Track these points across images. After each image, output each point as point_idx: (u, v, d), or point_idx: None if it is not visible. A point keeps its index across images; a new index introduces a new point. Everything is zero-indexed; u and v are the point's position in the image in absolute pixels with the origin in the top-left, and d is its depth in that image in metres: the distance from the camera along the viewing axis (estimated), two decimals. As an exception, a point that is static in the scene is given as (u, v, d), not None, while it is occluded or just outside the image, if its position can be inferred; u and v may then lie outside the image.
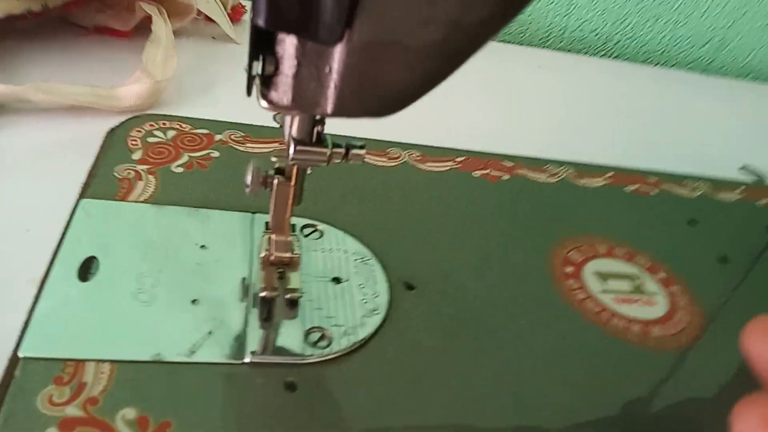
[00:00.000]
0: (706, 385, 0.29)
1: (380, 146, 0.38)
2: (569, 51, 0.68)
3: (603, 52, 0.70)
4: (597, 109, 0.55)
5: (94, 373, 0.22)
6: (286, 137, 0.24)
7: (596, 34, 0.68)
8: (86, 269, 0.26)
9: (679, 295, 0.33)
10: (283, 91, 0.19)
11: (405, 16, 0.16)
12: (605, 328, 0.30)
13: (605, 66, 0.66)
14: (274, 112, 0.21)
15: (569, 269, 0.33)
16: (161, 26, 0.41)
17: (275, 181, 0.25)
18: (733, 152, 0.53)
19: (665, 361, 0.29)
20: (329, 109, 0.19)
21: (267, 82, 0.19)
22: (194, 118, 0.36)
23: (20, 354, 0.22)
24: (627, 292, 0.32)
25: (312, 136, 0.22)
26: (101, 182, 0.30)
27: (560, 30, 0.67)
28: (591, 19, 0.67)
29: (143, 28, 0.43)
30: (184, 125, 0.35)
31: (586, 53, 0.69)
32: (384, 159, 0.37)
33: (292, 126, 0.22)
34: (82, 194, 0.29)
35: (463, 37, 0.17)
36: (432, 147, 0.40)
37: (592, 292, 0.32)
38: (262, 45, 0.18)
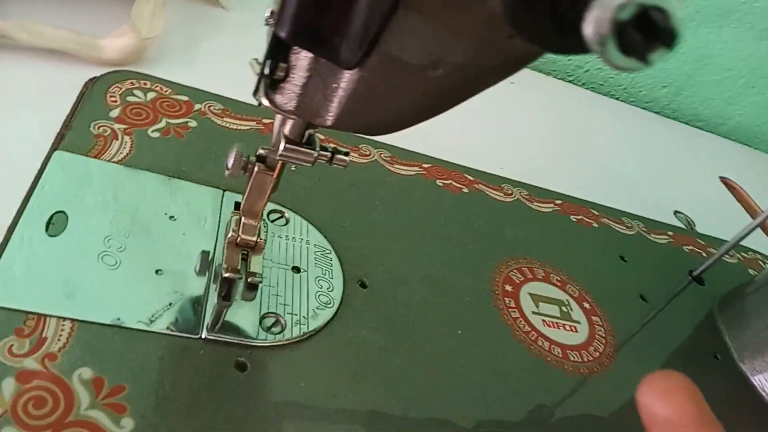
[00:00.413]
0: (606, 407, 0.32)
1: (352, 141, 0.39)
2: (541, 72, 0.70)
3: (572, 78, 0.73)
4: (557, 133, 0.58)
5: (55, 330, 0.23)
6: (276, 131, 0.25)
7: (569, 59, 0.71)
8: (54, 223, 0.26)
9: (598, 326, 0.36)
10: (288, 97, 0.20)
11: (421, 55, 0.18)
12: (530, 348, 0.33)
13: (573, 92, 0.69)
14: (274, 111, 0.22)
15: (509, 288, 0.36)
16: (153, -20, 0.40)
17: (255, 168, 0.26)
18: (671, 196, 0.58)
19: (576, 384, 0.33)
20: (329, 122, 0.20)
21: (274, 85, 0.20)
22: (175, 83, 0.36)
23: (-17, 300, 0.23)
24: (555, 317, 0.35)
25: (303, 138, 0.23)
26: (76, 135, 0.30)
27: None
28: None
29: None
30: (164, 88, 0.36)
31: (556, 76, 0.72)
32: (355, 155, 0.39)
33: (285, 124, 0.23)
34: (56, 145, 0.29)
35: (471, 80, 0.19)
36: (402, 149, 0.41)
37: (525, 313, 0.35)
38: (277, 49, 0.19)
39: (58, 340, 0.23)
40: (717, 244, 0.49)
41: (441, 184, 0.41)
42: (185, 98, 0.36)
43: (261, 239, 0.27)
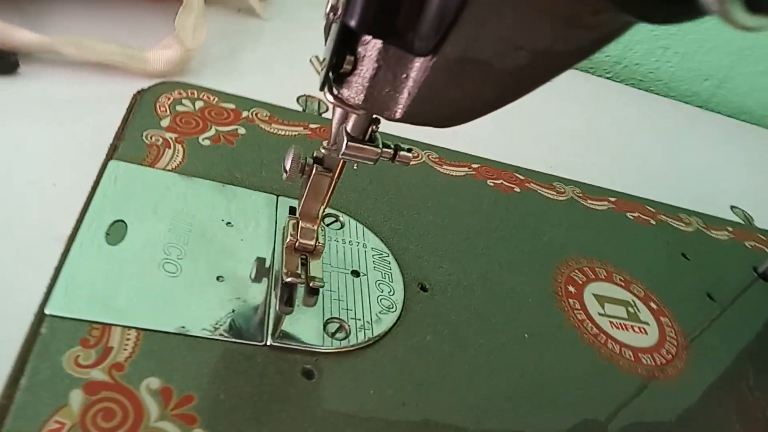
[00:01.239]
0: (686, 413, 0.31)
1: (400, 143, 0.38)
2: (578, 69, 0.69)
3: (610, 74, 0.71)
4: (601, 130, 0.57)
5: (120, 339, 0.22)
6: (335, 129, 0.24)
7: (607, 55, 0.70)
8: (113, 233, 0.26)
9: (668, 327, 0.35)
10: (356, 91, 0.19)
11: (499, 39, 0.17)
12: (600, 351, 0.31)
13: (612, 89, 0.67)
14: (338, 106, 0.21)
15: (572, 289, 0.34)
16: (195, -9, 0.40)
17: (313, 170, 0.25)
18: (723, 190, 0.56)
19: (653, 389, 0.31)
20: (398, 114, 0.19)
21: (341, 79, 0.19)
22: (221, 92, 0.36)
23: (47, 311, 0.22)
24: (622, 318, 0.34)
25: (366, 134, 0.23)
26: (130, 145, 0.30)
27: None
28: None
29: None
30: (211, 97, 0.35)
31: (594, 73, 0.70)
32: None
33: (348, 121, 0.22)
34: (110, 155, 0.29)
35: (548, 65, 0.18)
36: (449, 150, 0.40)
37: (591, 314, 0.33)
38: (344, 41, 0.19)
39: (124, 349, 0.22)
40: None
41: (492, 184, 0.39)
42: (232, 106, 0.35)
43: (320, 243, 0.27)
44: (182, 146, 0.31)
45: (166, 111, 0.33)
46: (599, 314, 0.33)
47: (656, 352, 0.33)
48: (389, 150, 0.23)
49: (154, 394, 0.21)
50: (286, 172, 0.25)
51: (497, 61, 0.18)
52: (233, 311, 0.25)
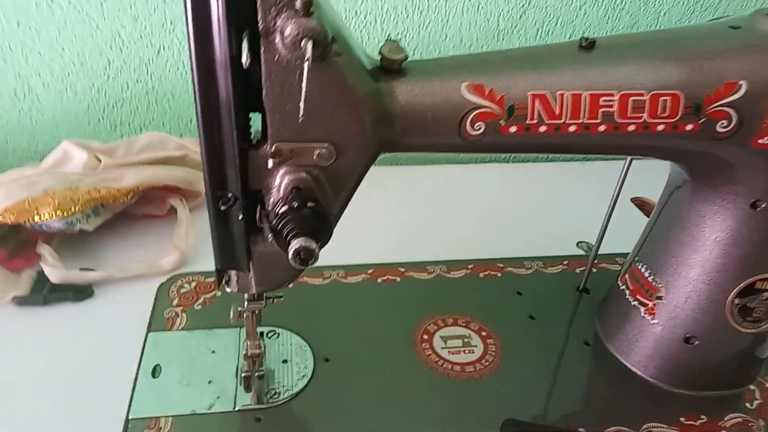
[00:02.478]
0: (501, 392, 0.52)
1: (317, 270, 0.63)
2: (477, 162, 0.92)
3: (504, 158, 0.94)
4: (466, 209, 0.79)
5: (164, 422, 0.47)
6: (246, 296, 0.48)
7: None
8: (155, 371, 0.51)
9: (491, 345, 0.56)
10: (233, 286, 0.44)
11: (279, 261, 0.41)
12: (437, 371, 0.53)
13: (502, 170, 0.90)
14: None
15: (425, 336, 0.57)
16: (183, 212, 0.68)
17: (245, 315, 0.50)
18: (578, 228, 0.76)
19: (473, 384, 0.52)
20: (254, 290, 0.44)
21: (227, 282, 0.44)
22: (205, 272, 0.62)
23: (130, 416, 0.47)
24: (458, 346, 0.56)
25: (255, 296, 0.47)
26: (157, 321, 0.56)
27: (467, 146, 0.92)
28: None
29: (173, 210, 0.70)
30: (200, 277, 0.61)
31: (491, 161, 0.93)
32: (320, 279, 0.62)
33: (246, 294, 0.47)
34: (149, 329, 0.55)
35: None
36: (352, 265, 0.64)
37: (436, 349, 0.55)
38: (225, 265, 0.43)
39: (167, 426, 0.47)
40: (620, 259, 0.67)
41: (380, 281, 0.63)
42: (212, 279, 0.61)
43: (260, 350, 0.51)
44: (186, 313, 0.57)
45: (175, 294, 0.59)
46: (441, 348, 0.55)
47: (478, 362, 0.54)
48: (269, 300, 0.48)
49: (183, 444, 0.46)
50: (232, 319, 0.49)
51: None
52: (218, 397, 0.49)
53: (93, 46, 0.74)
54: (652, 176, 0.66)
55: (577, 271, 0.67)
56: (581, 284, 0.64)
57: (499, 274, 0.65)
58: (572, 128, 0.38)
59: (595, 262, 0.64)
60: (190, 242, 0.65)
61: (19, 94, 0.77)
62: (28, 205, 0.57)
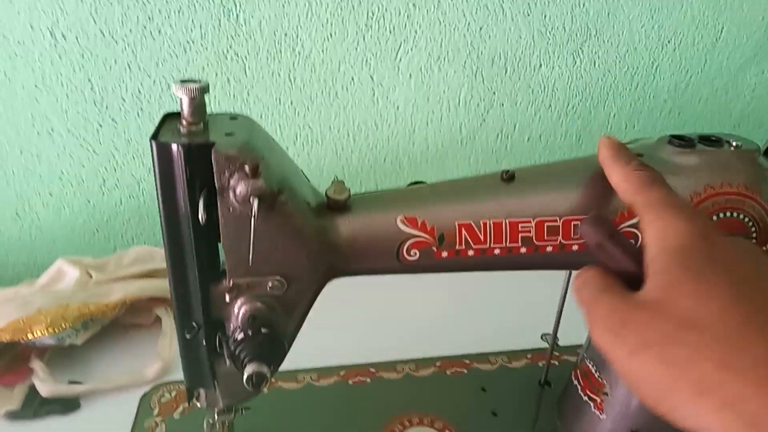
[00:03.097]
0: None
1: (291, 374, 0.67)
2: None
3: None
4: (456, 303, 0.83)
5: None
6: (216, 410, 0.52)
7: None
8: (134, 482, 0.54)
9: (454, 443, 0.59)
10: (202, 402, 0.48)
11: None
12: (402, 471, 0.56)
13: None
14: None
15: (391, 437, 0.60)
16: (167, 321, 0.72)
17: (218, 426, 0.53)
18: (536, 323, 0.79)
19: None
20: (221, 405, 0.48)
21: (197, 398, 0.48)
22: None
23: None
24: (423, 446, 0.59)
25: (225, 409, 0.51)
26: (138, 431, 0.59)
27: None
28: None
29: (159, 319, 0.74)
30: (180, 386, 0.65)
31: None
32: (293, 383, 0.66)
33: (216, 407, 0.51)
34: (130, 441, 0.58)
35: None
36: (324, 368, 0.68)
37: (402, 450, 0.58)
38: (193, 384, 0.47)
39: None
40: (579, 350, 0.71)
41: (351, 383, 0.66)
42: (193, 386, 0.65)
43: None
44: (164, 423, 0.60)
45: (155, 403, 0.63)
46: (407, 448, 0.58)
47: (442, 462, 0.57)
48: (237, 411, 0.51)
49: None
50: (206, 430, 0.53)
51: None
52: (192, 506, 0.52)
53: (89, 168, 0.82)
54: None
55: (540, 364, 0.71)
56: (542, 377, 0.68)
57: (466, 371, 0.69)
58: (497, 251, 0.44)
59: (557, 354, 0.68)
60: (173, 351, 0.69)
61: (20, 213, 0.83)
62: (22, 323, 0.62)
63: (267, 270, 0.40)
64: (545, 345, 0.75)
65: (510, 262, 0.44)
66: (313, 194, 0.43)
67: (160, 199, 0.38)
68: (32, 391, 0.63)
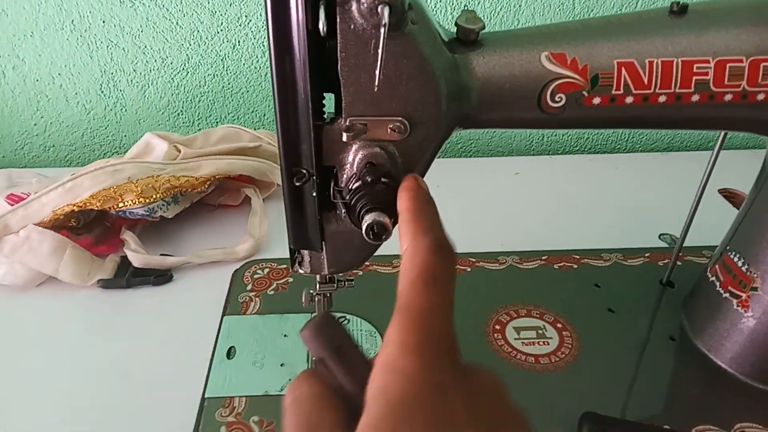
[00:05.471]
0: (575, 395, 0.49)
1: (386, 259, 0.62)
2: (549, 153, 0.89)
3: (578, 148, 0.91)
4: (559, 199, 0.76)
5: (238, 402, 0.47)
6: (318, 279, 0.48)
7: (569, 136, 0.90)
8: (230, 353, 0.52)
9: (567, 336, 0.54)
10: (306, 266, 0.44)
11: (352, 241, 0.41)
12: (510, 362, 0.51)
13: (575, 161, 0.87)
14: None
15: (498, 327, 0.55)
16: (257, 201, 0.69)
17: (316, 299, 0.50)
18: (662, 221, 0.72)
19: (546, 378, 0.50)
20: (326, 271, 0.44)
21: (299, 263, 0.44)
22: (277, 258, 0.63)
23: (206, 395, 0.48)
24: (532, 338, 0.54)
25: (327, 278, 0.47)
26: (232, 305, 0.57)
27: (539, 137, 0.90)
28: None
29: (247, 200, 0.71)
30: (273, 264, 0.62)
31: (563, 152, 0.90)
32: (389, 268, 0.62)
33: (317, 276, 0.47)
34: (224, 312, 0.56)
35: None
36: (422, 255, 0.63)
37: (509, 340, 0.53)
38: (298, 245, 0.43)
39: (241, 406, 0.47)
40: (706, 251, 0.63)
41: (451, 271, 0.61)
42: (284, 266, 0.62)
43: (331, 335, 0.51)
44: (259, 298, 0.58)
45: (248, 280, 0.60)
46: (514, 339, 0.53)
47: (554, 354, 0.52)
48: (341, 283, 0.47)
49: (257, 423, 0.46)
50: (303, 303, 0.49)
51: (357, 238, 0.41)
52: (289, 379, 0.49)
53: (173, 42, 0.77)
54: (739, 169, 0.62)
55: (660, 263, 0.63)
56: (665, 277, 0.61)
57: (575, 266, 0.63)
58: (662, 98, 0.36)
59: (680, 254, 0.61)
60: (263, 230, 0.66)
61: (105, 90, 0.81)
62: (113, 192, 0.60)
63: (388, 109, 0.34)
64: (662, 245, 0.68)
65: (675, 114, 0.37)
66: (439, 26, 0.37)
67: (269, 16, 0.32)
68: (124, 261, 0.62)
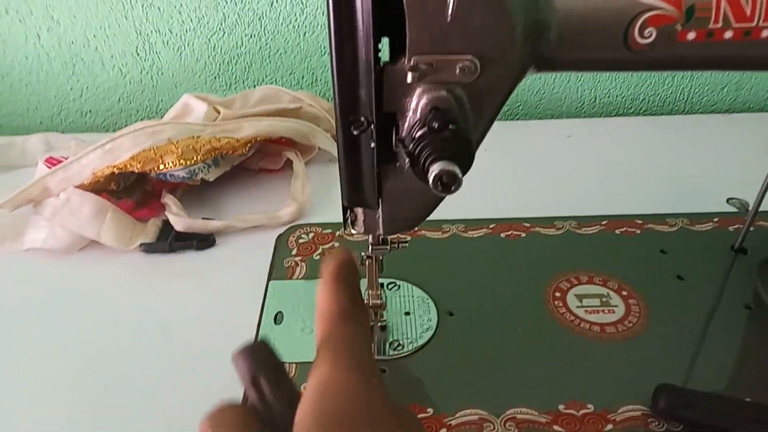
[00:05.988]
0: (645, 365, 0.46)
1: (436, 224, 0.59)
2: (601, 116, 0.84)
3: (632, 110, 0.85)
4: (611, 164, 0.72)
5: (289, 369, 0.45)
6: (371, 240, 0.46)
7: (623, 97, 0.85)
8: (278, 318, 0.50)
9: (634, 305, 0.50)
10: (359, 226, 0.41)
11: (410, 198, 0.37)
12: (574, 330, 0.48)
13: (630, 123, 0.82)
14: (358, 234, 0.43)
15: (558, 294, 0.52)
16: (299, 165, 0.66)
17: (366, 263, 0.47)
18: (729, 184, 0.67)
19: (613, 347, 0.47)
20: (381, 231, 0.41)
21: (352, 223, 0.41)
22: (322, 223, 0.60)
23: (254, 361, 0.46)
24: (596, 306, 0.50)
25: (380, 240, 0.44)
26: (278, 269, 0.55)
27: (591, 99, 0.85)
28: (616, 86, 0.84)
29: (288, 164, 0.69)
30: (317, 228, 0.60)
31: (617, 114, 0.85)
32: (438, 233, 0.59)
33: (369, 237, 0.44)
34: (270, 277, 0.54)
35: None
36: (472, 219, 0.60)
37: (570, 308, 0.50)
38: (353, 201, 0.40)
39: (292, 373, 0.45)
40: None
41: (504, 236, 0.58)
42: (329, 230, 0.59)
43: (382, 301, 0.48)
44: (305, 263, 0.55)
45: (293, 245, 0.58)
46: (577, 306, 0.50)
47: (620, 323, 0.49)
48: (394, 245, 0.45)
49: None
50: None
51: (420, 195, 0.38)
52: (340, 346, 0.47)
53: (209, 0, 0.75)
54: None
55: (731, 229, 0.59)
56: (737, 243, 0.56)
57: (639, 231, 0.59)
58: (766, 33, 0.32)
59: (753, 219, 0.56)
60: (306, 194, 0.63)
61: (141, 53, 0.79)
62: (153, 153, 0.58)
63: (457, 46, 0.31)
64: (732, 210, 0.63)
65: (780, 52, 0.32)
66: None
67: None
68: (166, 225, 0.60)
